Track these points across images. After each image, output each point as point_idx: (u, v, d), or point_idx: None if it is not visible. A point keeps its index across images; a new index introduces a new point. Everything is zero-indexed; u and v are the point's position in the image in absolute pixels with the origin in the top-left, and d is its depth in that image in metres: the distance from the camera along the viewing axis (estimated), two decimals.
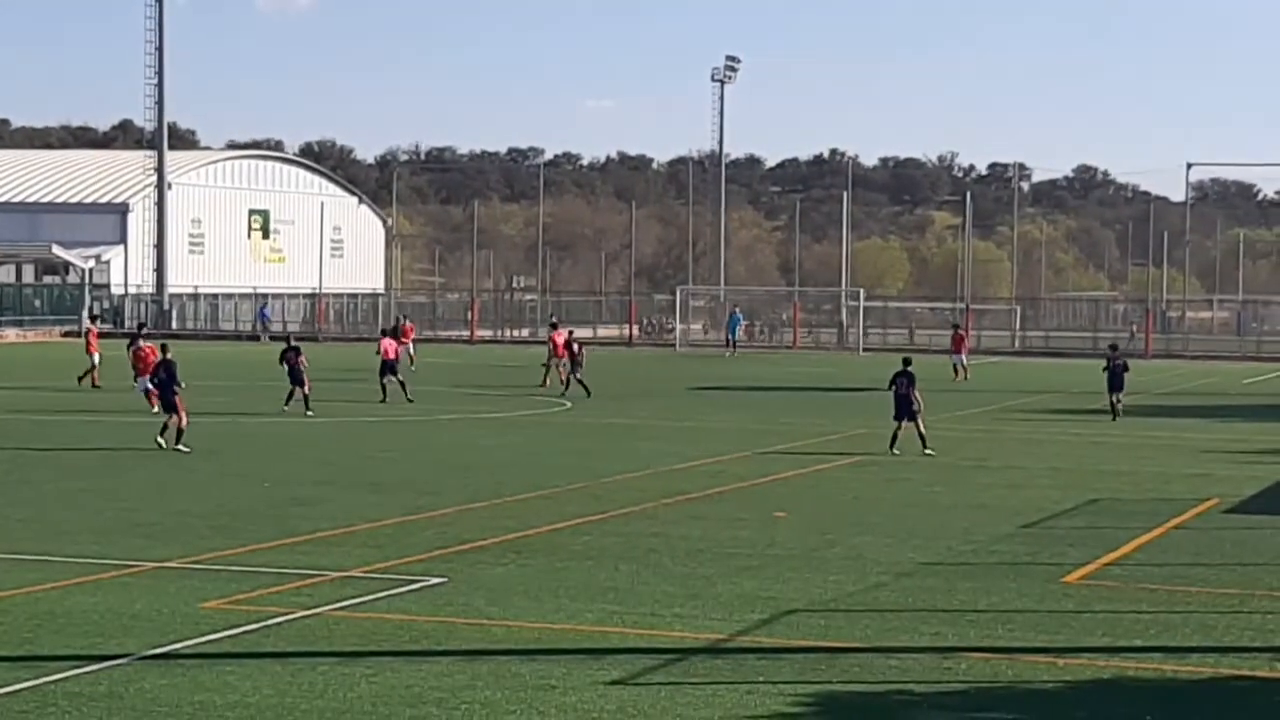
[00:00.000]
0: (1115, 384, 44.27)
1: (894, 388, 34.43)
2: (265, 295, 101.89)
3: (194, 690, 14.05)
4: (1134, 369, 48.59)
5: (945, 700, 14.32)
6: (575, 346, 52.16)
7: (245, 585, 18.60)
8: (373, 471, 30.15)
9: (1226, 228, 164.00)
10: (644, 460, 32.27)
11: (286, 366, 42.67)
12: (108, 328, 71.31)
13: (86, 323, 67.63)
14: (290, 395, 41.95)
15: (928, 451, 33.49)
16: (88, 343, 52.04)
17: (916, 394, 34.25)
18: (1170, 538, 23.57)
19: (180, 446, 32.62)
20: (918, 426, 34.09)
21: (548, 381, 52.57)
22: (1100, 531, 23.86)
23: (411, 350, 61.13)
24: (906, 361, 35.21)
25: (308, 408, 41.29)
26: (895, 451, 33.54)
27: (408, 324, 66.04)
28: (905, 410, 34.10)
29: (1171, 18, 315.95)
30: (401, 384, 46.05)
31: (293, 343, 44.20)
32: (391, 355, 46.69)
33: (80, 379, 49.62)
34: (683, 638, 16.44)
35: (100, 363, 50.35)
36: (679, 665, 15.34)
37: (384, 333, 51.40)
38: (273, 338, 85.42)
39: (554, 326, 56.73)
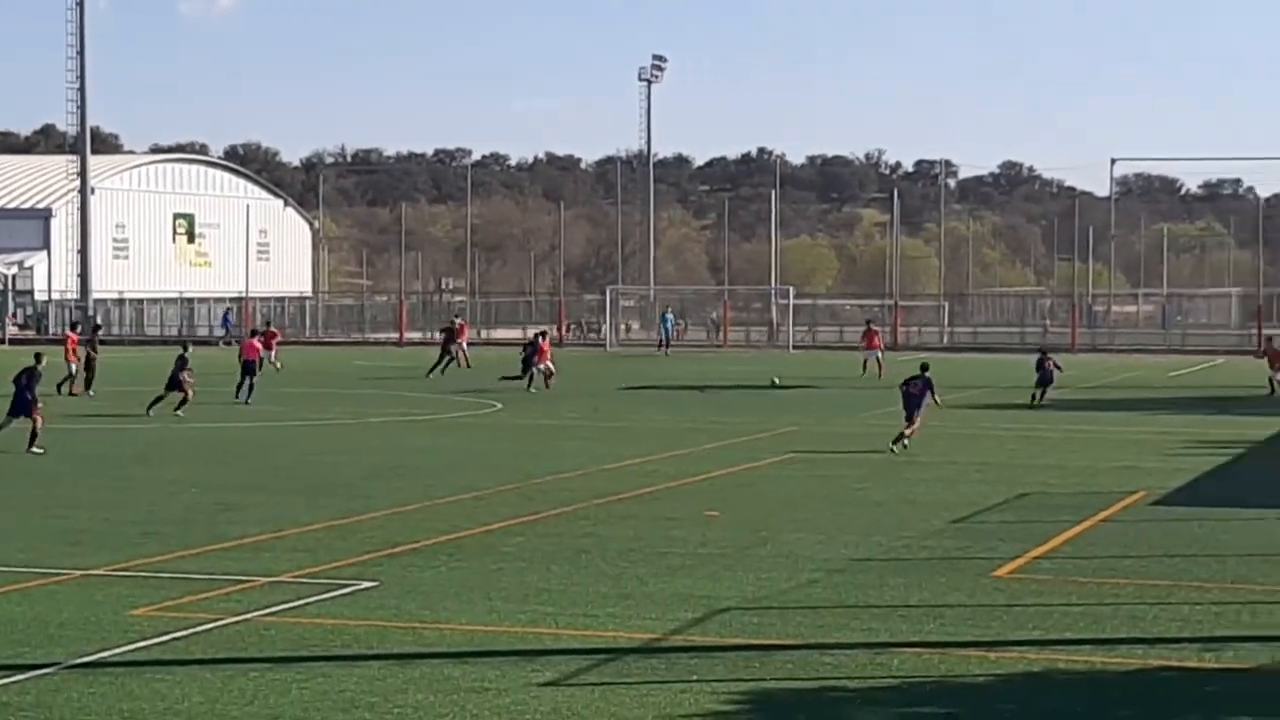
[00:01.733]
0: (1044, 380, 47.28)
1: (905, 388, 34.98)
2: (239, 299, 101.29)
3: (123, 698, 13.94)
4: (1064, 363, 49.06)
5: (878, 695, 14.36)
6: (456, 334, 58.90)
7: (174, 591, 18.48)
8: (303, 476, 30.02)
9: (1151, 222, 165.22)
10: (575, 460, 32.24)
11: (171, 374, 42.68)
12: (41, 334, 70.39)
13: (19, 328, 67.04)
14: (158, 400, 42.15)
15: (896, 447, 33.72)
16: (67, 350, 50.29)
17: (937, 398, 34.97)
18: (1099, 530, 23.73)
19: (35, 449, 32.62)
20: (909, 428, 34.36)
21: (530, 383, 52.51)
22: (1029, 525, 23.98)
23: (273, 355, 60.71)
24: (924, 366, 35.98)
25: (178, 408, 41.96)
26: (894, 449, 33.71)
27: (271, 329, 66.53)
28: (913, 408, 34.47)
29: (1093, 14, 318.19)
30: (251, 386, 45.97)
31: (186, 353, 43.97)
32: (252, 356, 46.86)
33: (60, 386, 48.47)
34: (616, 638, 16.43)
35: (79, 371, 49.60)
36: (612, 665, 15.34)
37: (253, 333, 51.88)
38: (230, 343, 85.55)
39: (543, 335, 56.48)
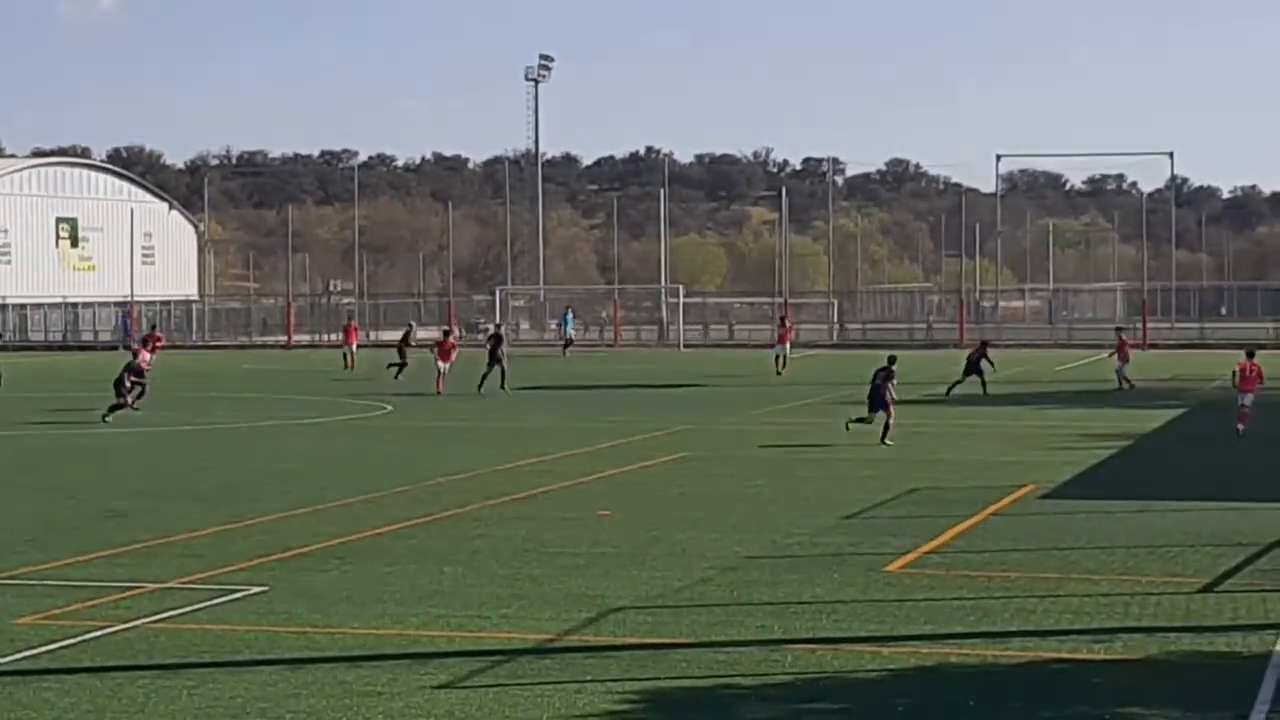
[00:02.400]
0: (970, 370, 49.59)
1: (873, 380, 35.52)
2: (125, 304, 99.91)
3: (11, 708, 13.75)
4: (948, 359, 49.38)
5: (772, 692, 14.39)
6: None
7: (61, 600, 18.23)
8: (191, 481, 29.73)
9: (1036, 218, 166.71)
10: (468, 462, 32.11)
11: (119, 376, 42.51)
12: None
13: None
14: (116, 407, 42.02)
15: (887, 442, 34.28)
16: None
17: (892, 388, 35.28)
18: (989, 524, 23.91)
19: None
20: (887, 420, 35.00)
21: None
22: (920, 520, 24.11)
23: (152, 358, 59.43)
24: (891, 359, 36.45)
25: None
26: (848, 429, 35.05)
27: (156, 332, 65.48)
28: (879, 404, 35.04)
29: (974, 12, 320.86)
30: (142, 391, 45.16)
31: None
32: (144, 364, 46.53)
33: None
34: (510, 639, 16.38)
35: None
36: (506, 667, 15.28)
37: (143, 341, 51.74)
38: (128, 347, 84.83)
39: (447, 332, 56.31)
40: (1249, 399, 36.97)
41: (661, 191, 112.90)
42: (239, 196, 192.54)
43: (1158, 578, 19.54)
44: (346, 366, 62.76)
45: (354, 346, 65.65)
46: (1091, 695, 14.31)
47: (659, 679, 14.83)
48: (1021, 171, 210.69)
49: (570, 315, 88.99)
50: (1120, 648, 15.92)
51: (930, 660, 15.45)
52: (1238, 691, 14.28)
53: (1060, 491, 27.62)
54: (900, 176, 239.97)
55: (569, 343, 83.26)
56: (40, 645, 15.99)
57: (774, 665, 15.26)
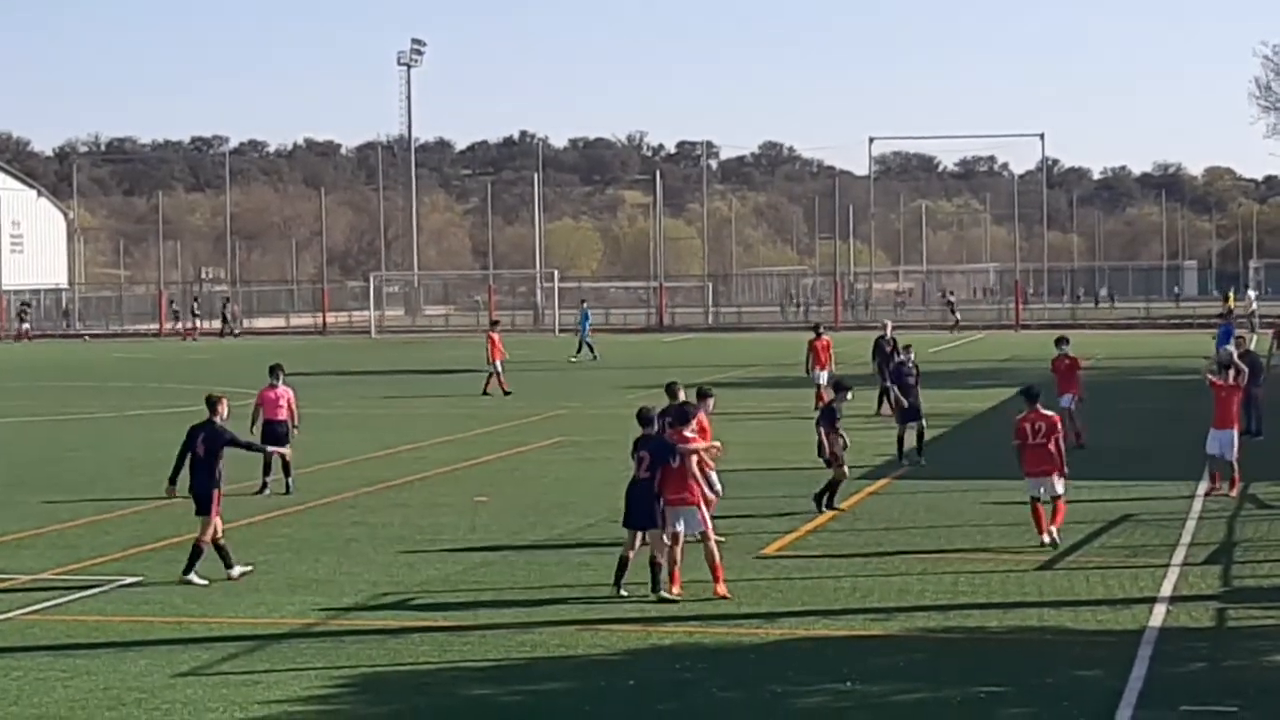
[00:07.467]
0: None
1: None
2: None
3: None
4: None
5: (647, 669, 14.42)
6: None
7: None
8: (62, 471, 29.39)
9: (910, 200, 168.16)
10: (342, 449, 31.96)
11: None
12: None
13: None
14: None
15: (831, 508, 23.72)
16: None
17: (827, 435, 23.68)
18: (866, 505, 24.08)
19: None
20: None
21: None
22: (797, 502, 24.21)
23: None
24: (839, 387, 25.02)
25: None
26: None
27: None
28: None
29: None
30: None
31: None
32: None
33: None
34: (386, 625, 16.33)
35: None
36: (384, 653, 15.20)
37: None
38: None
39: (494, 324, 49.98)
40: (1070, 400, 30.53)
41: (536, 176, 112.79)
42: (109, 183, 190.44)
43: (1032, 557, 19.78)
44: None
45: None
46: (975, 664, 14.46)
47: (535, 658, 14.83)
48: (894, 154, 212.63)
49: (587, 311, 67.98)
50: (995, 625, 16.10)
51: (807, 641, 15.57)
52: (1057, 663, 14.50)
53: (936, 471, 27.79)
54: (774, 159, 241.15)
55: (583, 345, 62.77)
56: None
57: (652, 643, 15.31)
